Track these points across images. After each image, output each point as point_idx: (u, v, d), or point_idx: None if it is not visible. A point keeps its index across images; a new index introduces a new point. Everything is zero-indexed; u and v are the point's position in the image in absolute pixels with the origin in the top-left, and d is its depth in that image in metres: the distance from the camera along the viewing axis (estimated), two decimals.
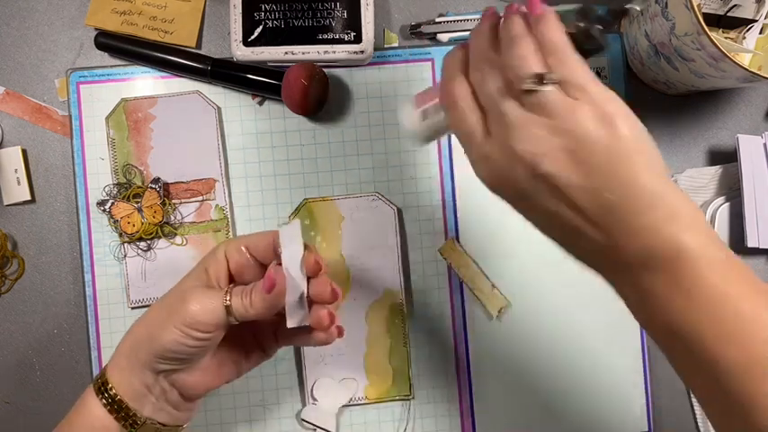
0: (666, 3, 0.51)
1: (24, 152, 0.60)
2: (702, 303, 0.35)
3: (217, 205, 0.60)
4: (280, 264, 0.45)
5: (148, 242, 0.59)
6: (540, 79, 0.36)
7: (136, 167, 0.59)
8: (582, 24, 0.38)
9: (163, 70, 0.60)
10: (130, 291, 0.59)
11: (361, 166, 0.61)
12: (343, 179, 0.61)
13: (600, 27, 0.38)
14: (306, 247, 0.45)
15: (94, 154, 0.59)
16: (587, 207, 0.37)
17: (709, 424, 0.61)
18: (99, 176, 0.59)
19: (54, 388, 0.60)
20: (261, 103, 0.61)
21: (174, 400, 0.47)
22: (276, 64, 0.59)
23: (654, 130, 0.63)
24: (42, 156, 0.60)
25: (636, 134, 0.36)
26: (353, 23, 0.58)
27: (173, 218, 0.59)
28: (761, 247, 0.56)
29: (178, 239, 0.59)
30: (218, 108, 0.60)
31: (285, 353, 0.60)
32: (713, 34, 0.48)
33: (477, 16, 0.61)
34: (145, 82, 0.60)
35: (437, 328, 0.61)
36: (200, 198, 0.60)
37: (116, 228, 0.58)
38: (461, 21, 0.61)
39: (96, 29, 0.60)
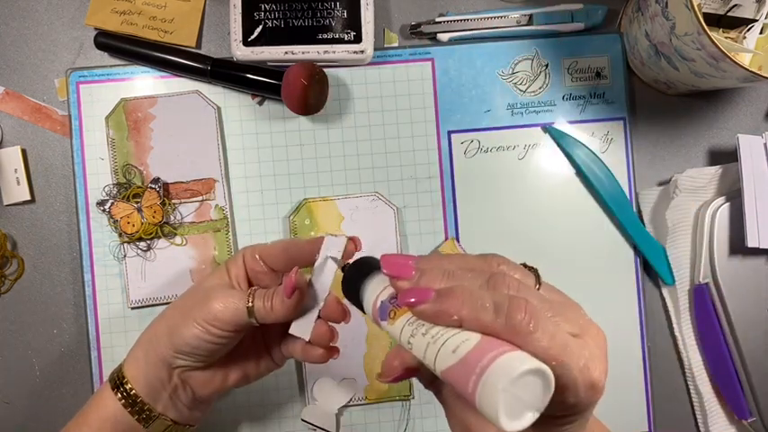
0: (666, 3, 0.51)
1: (24, 152, 0.60)
2: None
3: (217, 205, 0.60)
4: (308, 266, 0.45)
5: (148, 242, 0.59)
6: None
7: (136, 167, 0.59)
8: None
9: (163, 70, 0.60)
10: (130, 291, 0.59)
11: (361, 166, 0.61)
12: (343, 179, 0.61)
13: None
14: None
15: (94, 154, 0.59)
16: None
17: (710, 424, 0.61)
18: (99, 176, 0.59)
19: (54, 388, 0.60)
20: (261, 103, 0.61)
21: (186, 399, 0.49)
22: (276, 64, 0.59)
23: (654, 130, 0.63)
24: (42, 156, 0.60)
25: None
26: (353, 23, 0.58)
27: (172, 218, 0.59)
28: (761, 247, 0.56)
29: (178, 239, 0.59)
30: (218, 108, 0.60)
31: None
32: (713, 34, 0.48)
33: (478, 16, 0.61)
34: (145, 82, 0.60)
35: None
36: (199, 198, 0.60)
37: (116, 228, 0.58)
38: (461, 21, 0.61)
39: (96, 29, 0.60)
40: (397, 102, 0.61)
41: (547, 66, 0.62)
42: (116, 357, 0.59)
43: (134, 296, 0.59)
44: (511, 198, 0.62)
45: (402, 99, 0.61)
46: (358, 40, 0.58)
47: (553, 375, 0.28)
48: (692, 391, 0.62)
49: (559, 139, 0.61)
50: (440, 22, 0.61)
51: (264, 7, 0.58)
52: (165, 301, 0.59)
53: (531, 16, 0.61)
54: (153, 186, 0.58)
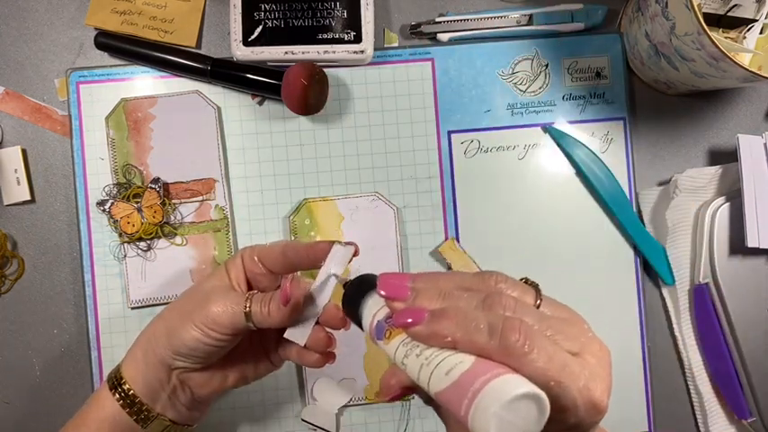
0: (666, 3, 0.51)
1: (24, 152, 0.60)
2: None
3: (217, 205, 0.60)
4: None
5: (148, 242, 0.59)
6: None
7: (136, 167, 0.59)
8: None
9: (163, 70, 0.60)
10: (130, 291, 0.59)
11: (361, 166, 0.61)
12: (343, 179, 0.61)
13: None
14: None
15: (94, 154, 0.59)
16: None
17: (710, 424, 0.61)
18: (99, 176, 0.59)
19: (54, 388, 0.60)
20: (261, 103, 0.61)
21: (185, 399, 0.49)
22: (276, 64, 0.59)
23: (654, 130, 0.63)
24: (42, 156, 0.60)
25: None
26: (353, 23, 0.58)
27: (173, 218, 0.59)
28: (761, 246, 0.56)
29: (178, 239, 0.59)
30: (218, 108, 0.60)
31: None
32: (713, 34, 0.48)
33: (478, 16, 0.61)
34: (145, 82, 0.60)
35: None
36: (200, 198, 0.60)
37: (116, 228, 0.58)
38: (461, 21, 0.61)
39: (96, 29, 0.60)
40: (397, 102, 0.61)
41: (547, 66, 0.62)
42: (116, 357, 0.59)
43: (134, 296, 0.59)
44: (511, 198, 0.62)
45: (402, 99, 0.61)
46: (358, 40, 0.58)
47: (548, 399, 0.27)
48: (691, 391, 0.62)
49: (559, 139, 0.61)
50: (440, 22, 0.61)
51: (264, 7, 0.58)
52: (165, 301, 0.59)
53: (531, 16, 0.61)
54: (153, 186, 0.58)
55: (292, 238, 0.60)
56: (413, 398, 0.60)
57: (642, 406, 0.62)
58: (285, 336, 0.45)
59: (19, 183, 0.59)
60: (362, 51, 0.58)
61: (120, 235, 0.58)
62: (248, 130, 0.60)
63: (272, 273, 0.49)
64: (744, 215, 0.57)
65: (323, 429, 0.60)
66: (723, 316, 0.59)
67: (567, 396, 0.29)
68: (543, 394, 0.27)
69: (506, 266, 0.61)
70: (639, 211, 0.62)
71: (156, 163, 0.59)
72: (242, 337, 0.47)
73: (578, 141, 0.61)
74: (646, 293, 0.62)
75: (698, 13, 0.47)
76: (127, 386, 0.47)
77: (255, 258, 0.48)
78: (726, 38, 0.57)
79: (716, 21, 0.56)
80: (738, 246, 0.58)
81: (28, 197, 0.60)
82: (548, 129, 0.62)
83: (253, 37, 0.58)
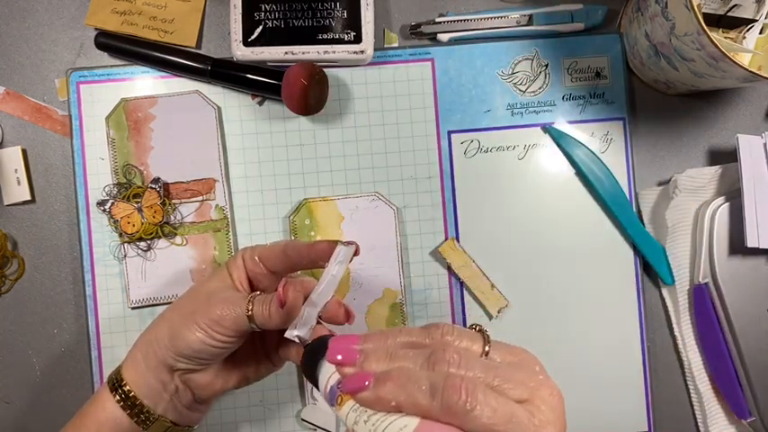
0: (666, 3, 0.51)
1: (24, 152, 0.60)
2: None
3: (217, 205, 0.60)
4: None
5: (148, 242, 0.59)
6: None
7: (136, 167, 0.59)
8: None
9: (163, 70, 0.60)
10: (130, 291, 0.59)
11: (361, 166, 0.61)
12: (343, 179, 0.61)
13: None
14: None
15: (94, 154, 0.59)
16: None
17: (710, 424, 0.61)
18: (99, 176, 0.59)
19: (54, 388, 0.60)
20: (261, 103, 0.61)
21: (186, 400, 0.48)
22: (276, 64, 0.59)
23: (654, 130, 0.63)
24: (42, 156, 0.60)
25: None
26: (353, 23, 0.58)
27: (173, 218, 0.59)
28: (761, 247, 0.56)
29: (178, 239, 0.59)
30: (218, 108, 0.60)
31: None
32: (713, 34, 0.48)
33: (478, 16, 0.61)
34: (145, 82, 0.60)
35: None
36: (200, 198, 0.60)
37: (116, 228, 0.58)
38: (461, 21, 0.61)
39: (96, 29, 0.60)
40: (397, 102, 0.61)
41: (547, 66, 0.62)
42: (116, 357, 0.59)
43: (134, 296, 0.59)
44: (511, 198, 0.62)
45: (402, 99, 0.61)
46: (358, 40, 0.58)
47: None
48: (691, 391, 0.62)
49: (559, 139, 0.61)
50: (440, 23, 0.61)
51: (265, 7, 0.58)
52: (165, 301, 0.59)
53: (531, 16, 0.61)
54: (153, 186, 0.58)
55: (292, 238, 0.60)
56: None
57: (642, 406, 0.62)
58: (285, 335, 0.45)
59: (19, 183, 0.59)
60: (362, 51, 0.58)
61: (121, 235, 0.58)
62: (248, 130, 0.61)
63: (272, 273, 0.49)
64: (743, 215, 0.57)
65: (323, 429, 0.60)
66: (723, 316, 0.59)
67: None
68: None
69: (506, 266, 0.61)
70: (639, 211, 0.62)
71: (157, 163, 0.59)
72: (245, 338, 0.47)
73: (578, 141, 0.61)
74: (645, 293, 0.62)
75: (698, 13, 0.47)
76: (127, 388, 0.47)
77: (256, 258, 0.48)
78: (726, 38, 0.57)
79: (716, 21, 0.56)
80: (738, 246, 0.58)
81: (28, 197, 0.60)
82: (548, 129, 0.62)
83: (253, 37, 0.58)
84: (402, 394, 0.30)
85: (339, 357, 0.34)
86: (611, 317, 0.61)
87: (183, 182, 0.60)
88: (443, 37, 0.61)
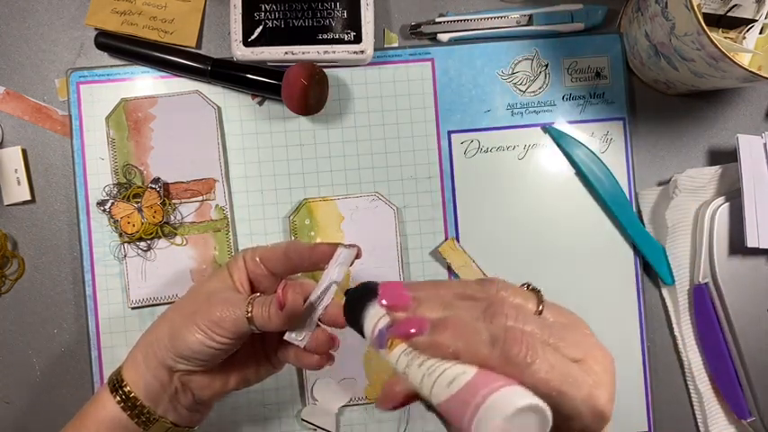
0: (666, 3, 0.51)
1: (24, 152, 0.60)
2: None
3: (217, 205, 0.60)
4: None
5: (148, 242, 0.59)
6: None
7: (136, 167, 0.59)
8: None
9: (163, 70, 0.60)
10: (130, 291, 0.59)
11: (361, 166, 0.61)
12: (343, 179, 0.61)
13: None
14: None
15: (94, 154, 0.59)
16: None
17: (710, 424, 0.61)
18: (99, 176, 0.59)
19: (54, 388, 0.60)
20: (261, 103, 0.61)
21: (186, 402, 0.48)
22: (276, 64, 0.59)
23: (654, 130, 0.63)
24: (42, 156, 0.60)
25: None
26: (353, 23, 0.58)
27: (173, 218, 0.59)
28: (761, 247, 0.56)
29: (178, 239, 0.59)
30: (218, 108, 0.60)
31: None
32: (713, 34, 0.48)
33: (478, 16, 0.61)
34: (145, 82, 0.60)
35: None
36: (200, 198, 0.60)
37: (116, 228, 0.58)
38: (461, 21, 0.61)
39: (96, 29, 0.60)
40: (397, 102, 0.61)
41: (547, 66, 0.62)
42: (116, 357, 0.59)
43: (134, 296, 0.59)
44: (511, 198, 0.62)
45: (402, 99, 0.61)
46: (358, 40, 0.58)
47: (549, 411, 0.27)
48: (691, 391, 0.62)
49: (559, 139, 0.61)
50: (440, 23, 0.61)
51: (265, 7, 0.58)
52: (165, 301, 0.59)
53: (531, 16, 0.61)
54: (153, 186, 0.58)
55: (292, 238, 0.60)
56: None
57: (642, 406, 0.62)
58: (284, 338, 0.45)
59: (19, 183, 0.59)
60: (362, 51, 0.58)
61: (121, 235, 0.58)
62: (248, 130, 0.61)
63: (273, 274, 0.48)
64: (743, 215, 0.57)
65: (323, 429, 0.60)
66: (723, 316, 0.59)
67: (571, 405, 0.29)
68: (546, 406, 0.27)
69: (506, 266, 0.61)
70: (639, 211, 0.62)
71: (157, 163, 0.59)
72: (245, 340, 0.47)
73: (578, 141, 0.61)
74: (645, 293, 0.62)
75: (698, 13, 0.47)
76: (128, 388, 0.47)
77: (257, 259, 0.48)
78: (725, 38, 0.57)
79: (716, 21, 0.56)
80: (738, 246, 0.58)
81: (28, 197, 0.60)
82: (548, 129, 0.62)
83: (253, 37, 0.58)
84: (461, 342, 0.30)
85: (390, 302, 0.33)
86: (611, 317, 0.61)
87: (183, 182, 0.60)
88: (443, 37, 0.61)
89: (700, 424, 0.62)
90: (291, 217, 0.60)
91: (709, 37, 0.47)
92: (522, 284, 0.35)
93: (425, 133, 0.61)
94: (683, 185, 0.60)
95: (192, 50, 0.60)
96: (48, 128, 0.60)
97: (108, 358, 0.59)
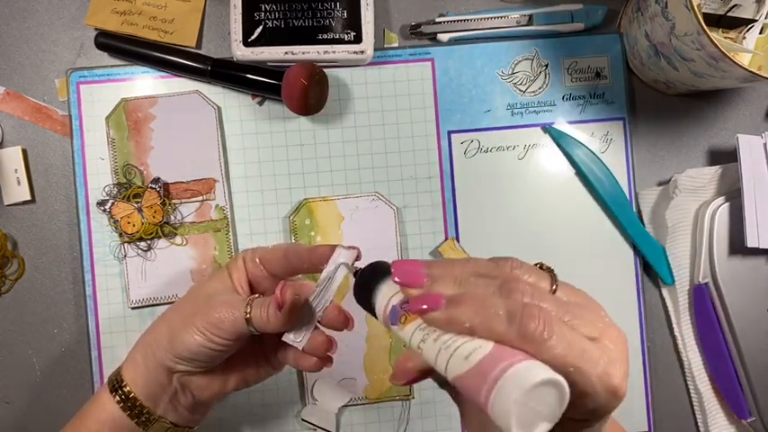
0: (666, 3, 0.51)
1: (24, 152, 0.60)
2: None
3: (217, 205, 0.60)
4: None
5: (148, 242, 0.59)
6: None
7: (136, 167, 0.59)
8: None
9: (163, 70, 0.60)
10: (130, 291, 0.59)
11: (361, 166, 0.61)
12: (343, 179, 0.61)
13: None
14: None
15: (94, 154, 0.59)
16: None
17: (710, 424, 0.61)
18: (99, 176, 0.59)
19: (54, 388, 0.60)
20: (261, 103, 0.61)
21: (186, 402, 0.48)
22: (276, 64, 0.59)
23: (654, 130, 0.63)
24: (42, 156, 0.60)
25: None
26: (353, 23, 0.58)
27: (173, 218, 0.59)
28: (761, 247, 0.56)
29: (178, 239, 0.59)
30: (218, 108, 0.60)
31: None
32: (713, 34, 0.48)
33: (478, 16, 0.61)
34: (145, 82, 0.60)
35: None
36: (200, 198, 0.60)
37: (116, 228, 0.58)
38: (461, 21, 0.61)
39: (96, 29, 0.60)
40: (397, 102, 0.61)
41: (547, 66, 0.62)
42: (116, 357, 0.59)
43: (134, 296, 0.59)
44: (511, 198, 0.62)
45: (402, 99, 0.61)
46: (358, 40, 0.58)
47: (567, 386, 0.27)
48: (691, 391, 0.62)
49: (559, 139, 0.61)
50: (440, 23, 0.61)
51: (265, 7, 0.58)
52: (165, 301, 0.59)
53: (531, 16, 0.61)
54: (153, 186, 0.58)
55: (292, 237, 0.60)
56: (413, 397, 0.60)
57: (642, 406, 0.62)
58: (282, 339, 0.45)
59: (19, 183, 0.59)
60: (362, 51, 0.58)
61: (121, 235, 0.58)
62: (248, 130, 0.61)
63: (273, 276, 0.48)
64: (743, 215, 0.57)
65: (323, 429, 0.60)
66: (723, 316, 0.59)
67: (586, 382, 0.29)
68: (563, 381, 0.27)
69: None
70: (639, 211, 0.62)
71: (157, 163, 0.59)
72: (244, 341, 0.47)
73: (578, 141, 0.61)
74: (645, 293, 0.62)
75: (698, 13, 0.47)
76: (127, 388, 0.47)
77: (257, 260, 0.48)
78: (725, 38, 0.57)
79: (716, 21, 0.56)
80: (738, 246, 0.58)
81: (28, 197, 0.60)
82: (548, 129, 0.62)
83: (253, 37, 0.58)
84: (477, 317, 0.30)
85: (404, 279, 0.33)
86: (611, 317, 0.61)
87: (183, 182, 0.60)
88: (443, 37, 0.61)
89: (700, 424, 0.62)
90: (291, 217, 0.60)
91: (709, 37, 0.47)
92: (536, 263, 0.35)
93: (425, 133, 0.61)
94: (683, 185, 0.60)
95: (192, 50, 0.60)
96: (48, 128, 0.60)
97: (108, 358, 0.59)
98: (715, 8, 0.56)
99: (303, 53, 0.58)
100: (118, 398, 0.47)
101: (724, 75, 0.51)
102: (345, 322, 0.46)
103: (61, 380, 0.60)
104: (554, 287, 0.33)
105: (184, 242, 0.59)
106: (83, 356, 0.60)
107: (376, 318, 0.36)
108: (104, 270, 0.59)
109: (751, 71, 0.48)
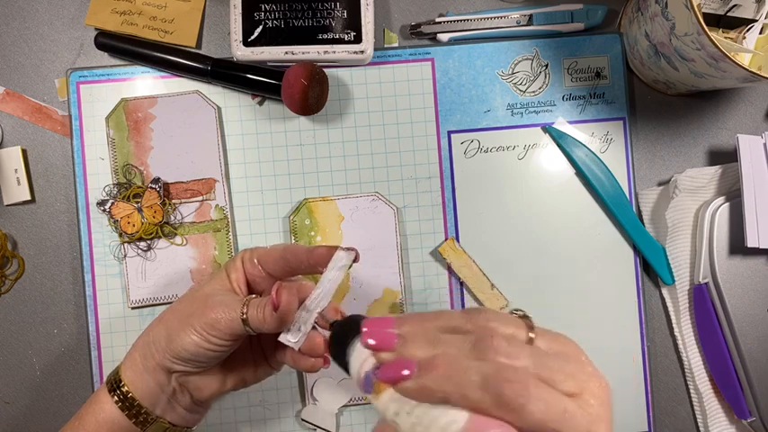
0: (666, 3, 0.51)
1: (24, 152, 0.60)
2: None
3: (217, 205, 0.60)
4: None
5: (148, 242, 0.59)
6: None
7: (136, 167, 0.59)
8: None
9: (163, 70, 0.60)
10: (130, 291, 0.59)
11: (361, 166, 0.61)
12: (343, 179, 0.61)
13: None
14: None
15: (94, 154, 0.59)
16: None
17: (710, 424, 0.61)
18: (99, 176, 0.59)
19: (54, 388, 0.60)
20: (261, 103, 0.61)
21: (184, 402, 0.48)
22: (276, 64, 0.59)
23: (654, 130, 0.63)
24: (42, 156, 0.60)
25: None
26: (353, 23, 0.58)
27: (173, 218, 0.59)
28: (761, 247, 0.56)
29: (178, 239, 0.59)
30: (218, 108, 0.60)
31: None
32: (713, 34, 0.48)
33: (478, 16, 0.61)
34: (145, 82, 0.60)
35: None
36: (200, 198, 0.60)
37: (116, 228, 0.58)
38: (461, 21, 0.61)
39: (96, 29, 0.60)
40: (397, 102, 0.61)
41: (547, 66, 0.62)
42: (116, 357, 0.59)
43: (134, 296, 0.59)
44: (511, 198, 0.62)
45: (402, 99, 0.61)
46: (358, 40, 0.58)
47: None
48: (691, 390, 0.62)
49: (559, 139, 0.61)
50: (440, 23, 0.61)
51: (264, 7, 0.58)
52: (165, 301, 0.59)
53: (531, 16, 0.61)
54: (153, 186, 0.58)
55: (292, 238, 0.60)
56: None
57: (642, 406, 0.62)
58: (279, 339, 0.45)
59: (19, 183, 0.59)
60: (362, 51, 0.58)
61: (121, 235, 0.58)
62: (248, 130, 0.61)
63: (271, 276, 0.48)
64: (743, 215, 0.57)
65: (323, 429, 0.60)
66: (723, 316, 0.59)
67: None
68: None
69: (506, 266, 0.61)
70: (639, 211, 0.62)
71: (156, 163, 0.59)
72: (242, 341, 0.47)
73: (578, 141, 0.61)
74: (646, 293, 0.62)
75: (698, 13, 0.47)
76: (126, 389, 0.47)
77: (255, 261, 0.48)
78: (726, 38, 0.57)
79: (716, 21, 0.56)
80: (738, 246, 0.58)
81: (28, 197, 0.60)
82: (547, 129, 0.62)
83: (253, 37, 0.58)
84: (449, 385, 0.28)
85: (374, 342, 0.31)
86: (611, 317, 0.61)
87: (183, 182, 0.60)
88: (443, 37, 0.61)
89: (700, 424, 0.62)
90: (291, 217, 0.60)
91: (709, 37, 0.47)
92: (512, 311, 0.33)
93: (425, 133, 0.61)
94: (683, 185, 0.60)
95: (192, 50, 0.60)
96: (48, 128, 0.60)
97: (108, 358, 0.59)
98: (715, 8, 0.56)
99: (303, 53, 0.58)
100: (116, 398, 0.47)
101: (724, 75, 0.51)
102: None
103: (61, 380, 0.60)
104: (531, 335, 0.31)
105: (184, 242, 0.59)
106: (83, 356, 0.60)
107: (351, 378, 0.35)
108: (104, 270, 0.59)
109: (751, 71, 0.48)
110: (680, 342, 0.62)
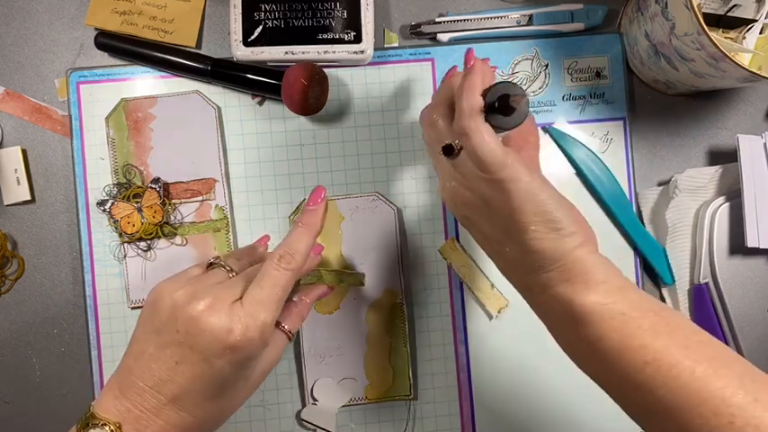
0: (666, 3, 0.51)
1: (24, 152, 0.60)
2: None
3: (217, 205, 0.60)
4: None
5: (148, 242, 0.59)
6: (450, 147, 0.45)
7: (136, 167, 0.59)
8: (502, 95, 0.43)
9: (163, 70, 0.60)
10: (130, 291, 0.59)
11: (361, 166, 0.61)
12: (343, 179, 0.61)
13: (522, 97, 0.42)
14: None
15: (94, 154, 0.59)
16: (499, 250, 0.46)
17: None
18: (99, 176, 0.59)
19: (54, 388, 0.60)
20: (261, 103, 0.61)
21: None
22: (276, 64, 0.59)
23: (654, 130, 0.63)
24: (42, 156, 0.60)
25: (528, 198, 0.42)
26: (353, 23, 0.58)
27: (173, 218, 0.59)
28: (761, 246, 0.56)
29: (178, 239, 0.59)
30: (218, 108, 0.60)
31: (286, 353, 0.60)
32: (713, 34, 0.48)
33: (478, 16, 0.61)
34: (145, 82, 0.60)
35: (437, 328, 0.61)
36: (200, 198, 0.60)
37: (116, 228, 0.58)
38: (461, 21, 0.61)
39: (96, 29, 0.60)
40: (397, 102, 0.61)
41: (547, 66, 0.62)
42: (116, 357, 0.59)
43: (134, 296, 0.59)
44: None
45: (402, 99, 0.61)
46: (358, 40, 0.58)
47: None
48: None
49: (559, 139, 0.61)
50: (440, 23, 0.61)
51: (264, 7, 0.58)
52: None
53: (531, 16, 0.61)
54: (153, 186, 0.58)
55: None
56: (413, 398, 0.60)
57: None
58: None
59: (19, 183, 0.60)
60: (362, 51, 0.58)
61: (121, 235, 0.58)
62: (248, 130, 0.61)
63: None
64: (744, 215, 0.57)
65: (323, 429, 0.60)
66: (723, 316, 0.59)
67: None
68: None
69: None
70: (639, 211, 0.62)
71: (156, 163, 0.59)
72: None
73: (578, 141, 0.61)
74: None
75: (698, 13, 0.47)
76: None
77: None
78: (726, 38, 0.57)
79: (716, 21, 0.56)
80: (738, 246, 0.58)
81: (28, 197, 0.60)
82: (548, 129, 0.62)
83: (253, 37, 0.58)
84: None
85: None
86: None
87: (183, 182, 0.60)
88: (443, 37, 0.61)
89: None
90: (291, 217, 0.60)
91: (709, 37, 0.47)
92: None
93: None
94: (683, 185, 0.60)
95: (192, 50, 0.60)
96: (48, 128, 0.60)
97: (108, 358, 0.59)
98: (715, 8, 0.56)
99: (303, 53, 0.58)
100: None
101: (724, 75, 0.51)
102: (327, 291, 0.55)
103: (61, 380, 0.60)
104: None
105: (184, 242, 0.59)
106: (83, 356, 0.60)
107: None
108: (104, 270, 0.59)
109: (751, 71, 0.48)
110: None
